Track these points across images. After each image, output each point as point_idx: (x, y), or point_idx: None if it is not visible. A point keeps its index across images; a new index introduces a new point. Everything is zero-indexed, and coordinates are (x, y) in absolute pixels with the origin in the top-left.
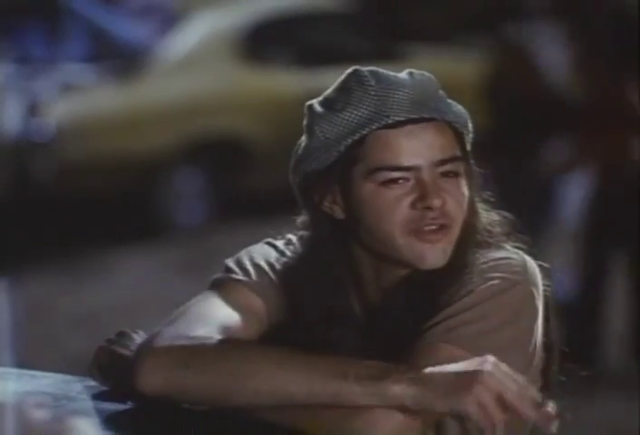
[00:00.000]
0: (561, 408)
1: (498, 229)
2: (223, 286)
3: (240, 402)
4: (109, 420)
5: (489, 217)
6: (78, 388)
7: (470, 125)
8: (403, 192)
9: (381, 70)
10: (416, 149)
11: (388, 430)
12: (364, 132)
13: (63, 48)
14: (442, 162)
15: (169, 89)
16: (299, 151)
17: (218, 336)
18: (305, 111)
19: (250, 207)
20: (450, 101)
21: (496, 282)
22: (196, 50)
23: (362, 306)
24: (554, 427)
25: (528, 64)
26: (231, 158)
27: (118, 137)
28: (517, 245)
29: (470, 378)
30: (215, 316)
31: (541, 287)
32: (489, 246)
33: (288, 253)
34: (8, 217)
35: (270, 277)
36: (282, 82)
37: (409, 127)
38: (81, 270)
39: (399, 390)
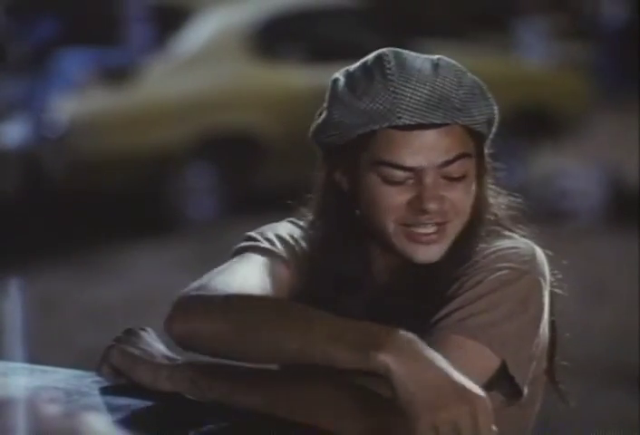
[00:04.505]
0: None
1: (505, 214)
2: (248, 253)
3: (242, 354)
4: (120, 415)
5: (497, 200)
6: (90, 383)
7: (494, 120)
8: (403, 189)
9: (408, 57)
10: (420, 150)
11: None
12: (375, 128)
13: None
14: (446, 163)
15: (181, 85)
16: (318, 120)
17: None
18: (330, 83)
19: (262, 202)
20: (475, 93)
21: (505, 272)
22: (208, 46)
23: (370, 281)
24: None
25: None
26: (243, 153)
27: (130, 133)
28: (524, 231)
29: (460, 393)
30: (240, 281)
31: (548, 277)
32: (497, 234)
33: (308, 229)
34: (21, 213)
35: (294, 249)
36: (293, 77)
37: (418, 130)
38: (92, 265)
39: (382, 361)
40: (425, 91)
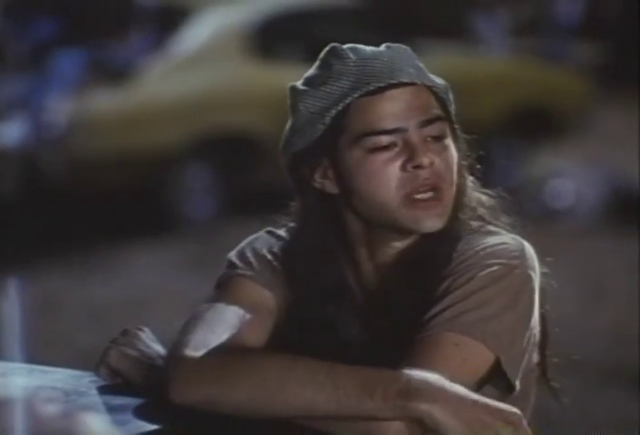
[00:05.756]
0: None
1: (491, 210)
2: (231, 284)
3: (272, 415)
4: (119, 415)
5: (481, 198)
6: (88, 383)
7: (450, 95)
8: (392, 156)
9: (358, 45)
10: (400, 111)
11: (400, 426)
12: (347, 101)
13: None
14: (427, 122)
15: (179, 85)
16: (286, 132)
17: (243, 343)
18: (288, 92)
19: (260, 202)
20: (429, 73)
21: (495, 268)
22: (206, 46)
23: (358, 285)
24: None
25: None
26: (242, 153)
27: (129, 133)
28: (509, 224)
29: (499, 416)
30: (232, 319)
31: (538, 271)
32: (485, 230)
33: (288, 240)
34: (20, 212)
35: (274, 267)
36: (292, 77)
37: (390, 92)
38: (92, 265)
39: (425, 412)
40: (385, 59)
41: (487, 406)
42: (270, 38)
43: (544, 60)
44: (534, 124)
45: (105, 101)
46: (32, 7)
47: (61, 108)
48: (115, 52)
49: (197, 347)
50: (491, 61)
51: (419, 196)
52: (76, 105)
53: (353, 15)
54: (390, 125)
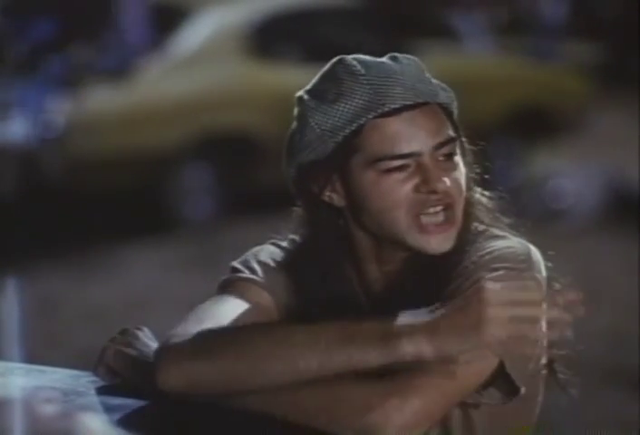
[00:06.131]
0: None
1: (490, 214)
2: (231, 286)
3: (255, 386)
4: (117, 415)
5: (482, 199)
6: (87, 383)
7: (455, 102)
8: (405, 176)
9: (366, 57)
10: (414, 135)
11: (400, 425)
12: (361, 122)
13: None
14: (441, 145)
15: (178, 84)
16: (293, 143)
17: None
18: (296, 102)
19: (260, 202)
20: (434, 80)
21: (501, 272)
22: (205, 46)
23: (365, 293)
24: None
25: None
26: (241, 153)
27: (128, 133)
28: (510, 226)
29: (476, 309)
30: (225, 315)
31: (545, 275)
32: (490, 235)
33: (292, 250)
34: (19, 212)
35: (277, 273)
36: (291, 77)
37: (404, 114)
38: (90, 265)
39: (412, 346)
40: (398, 77)
41: (463, 311)
42: (269, 38)
43: (531, 59)
44: (533, 124)
45: (104, 101)
46: (30, 8)
47: (59, 108)
48: (112, 51)
49: (182, 337)
50: (490, 60)
51: (429, 218)
52: (75, 105)
53: (352, 15)
54: (404, 149)
